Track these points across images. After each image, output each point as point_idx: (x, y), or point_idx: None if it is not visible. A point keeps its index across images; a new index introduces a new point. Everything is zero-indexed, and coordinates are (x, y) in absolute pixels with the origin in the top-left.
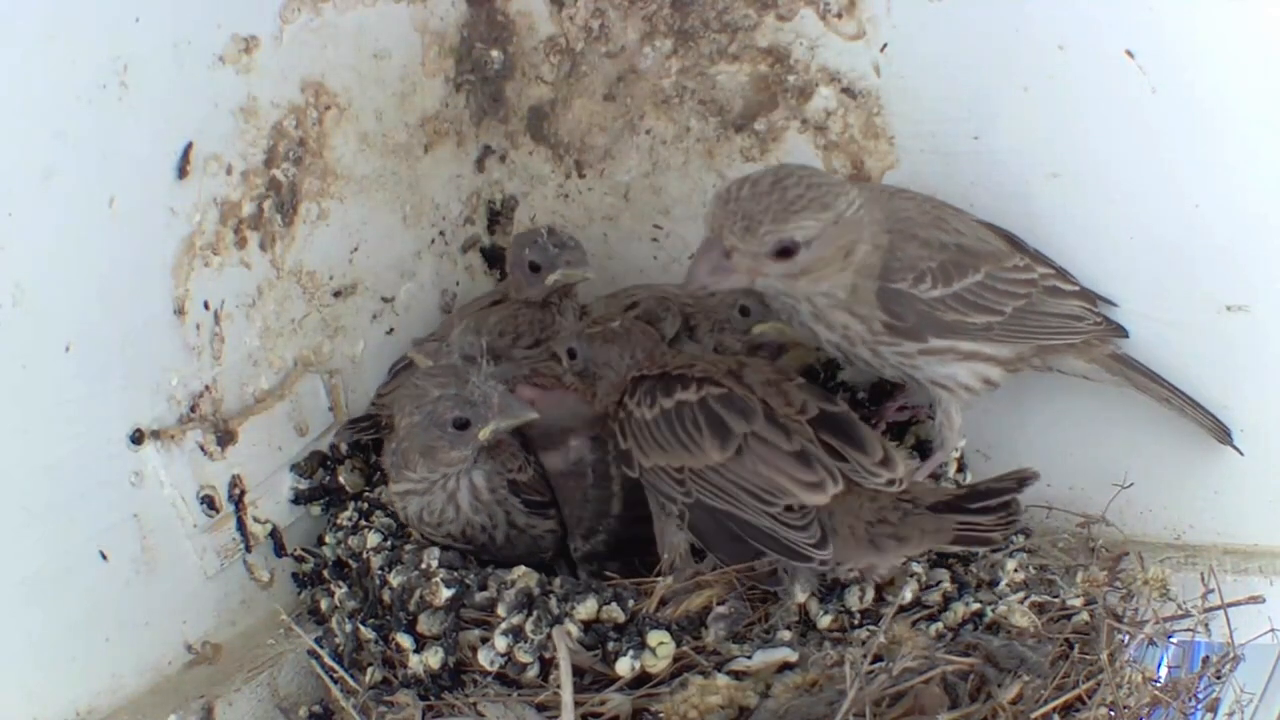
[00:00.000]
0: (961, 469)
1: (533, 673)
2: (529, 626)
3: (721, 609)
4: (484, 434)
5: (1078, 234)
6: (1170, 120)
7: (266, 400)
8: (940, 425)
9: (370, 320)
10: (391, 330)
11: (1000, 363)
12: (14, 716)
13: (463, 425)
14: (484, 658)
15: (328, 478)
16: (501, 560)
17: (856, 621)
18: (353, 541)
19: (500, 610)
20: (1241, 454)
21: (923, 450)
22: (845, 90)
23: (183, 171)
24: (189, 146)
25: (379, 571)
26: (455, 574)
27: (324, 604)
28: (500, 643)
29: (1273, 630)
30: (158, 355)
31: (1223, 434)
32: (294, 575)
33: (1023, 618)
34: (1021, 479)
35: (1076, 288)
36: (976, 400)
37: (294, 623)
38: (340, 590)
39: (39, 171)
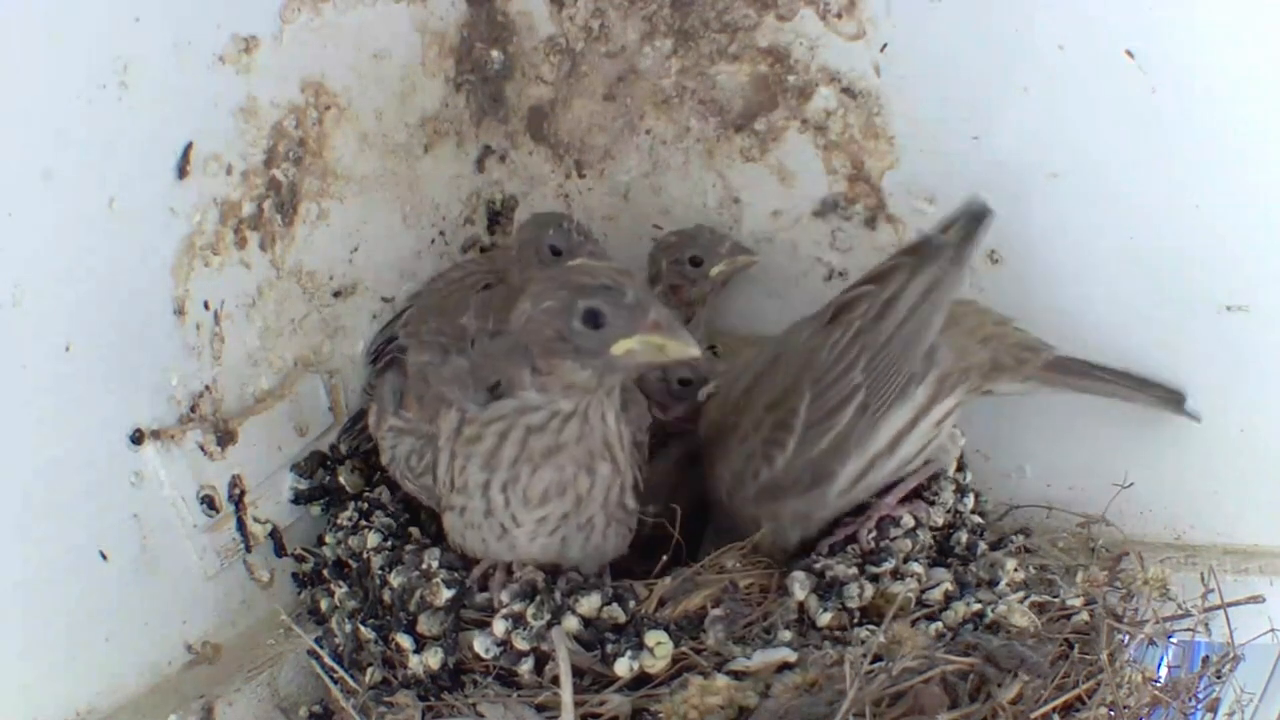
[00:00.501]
0: (961, 468)
1: (528, 666)
2: (530, 613)
3: (718, 611)
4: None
5: (1078, 234)
6: (1170, 120)
7: (266, 400)
8: (938, 454)
9: (370, 320)
10: None
11: (926, 406)
12: (14, 716)
13: (596, 321)
14: (480, 645)
15: (328, 478)
16: None
17: (856, 619)
18: (353, 541)
19: (503, 596)
20: (1199, 420)
21: None
22: (845, 90)
23: (183, 171)
24: (189, 146)
25: (379, 572)
26: (455, 574)
27: (324, 604)
28: (499, 627)
29: (1273, 630)
30: (158, 355)
31: (1177, 403)
32: (294, 575)
33: (1023, 618)
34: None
35: (898, 268)
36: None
37: (294, 623)
38: (340, 590)
39: (39, 171)
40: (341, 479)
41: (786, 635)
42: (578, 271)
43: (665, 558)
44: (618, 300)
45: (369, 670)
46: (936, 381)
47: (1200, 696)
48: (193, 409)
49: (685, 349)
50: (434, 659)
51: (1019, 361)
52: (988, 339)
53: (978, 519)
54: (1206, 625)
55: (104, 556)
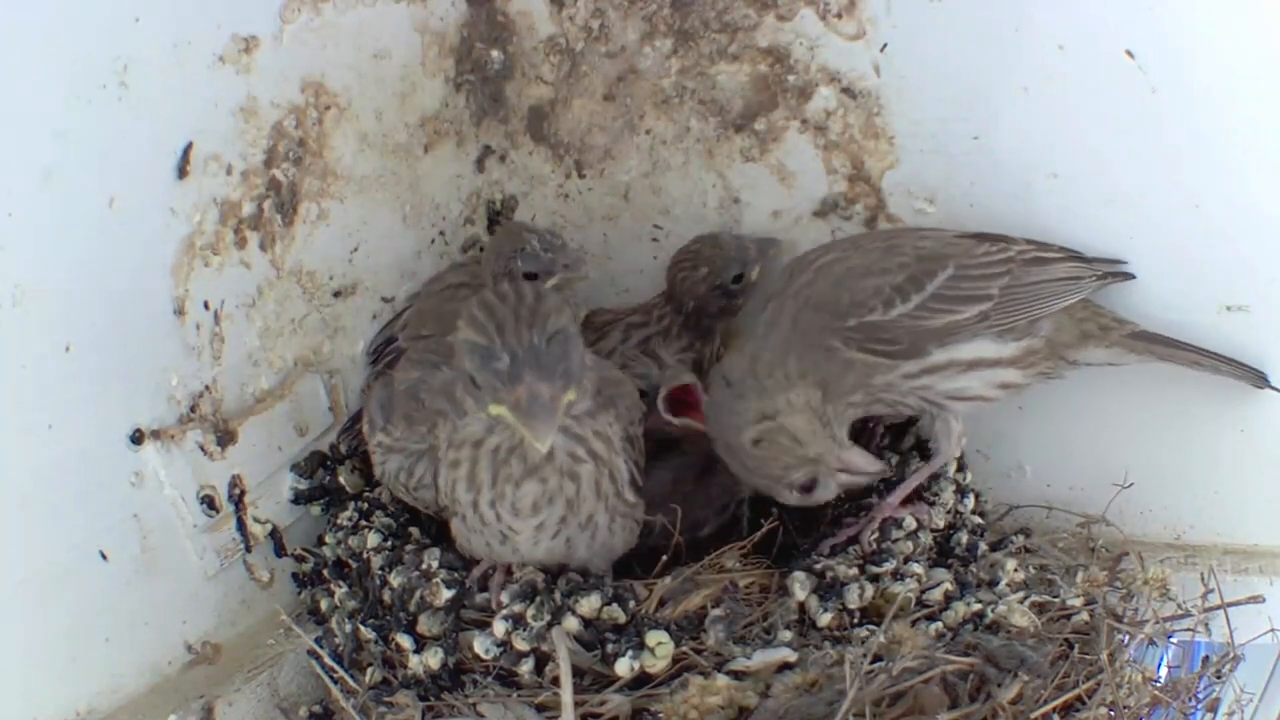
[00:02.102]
0: (961, 469)
1: (528, 666)
2: (530, 613)
3: (718, 611)
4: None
5: (1078, 234)
6: (1170, 120)
7: (266, 400)
8: (938, 434)
9: (370, 320)
10: None
11: (1009, 363)
12: (13, 716)
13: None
14: (480, 645)
15: (328, 478)
16: None
17: (856, 620)
18: (353, 541)
19: (503, 597)
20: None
21: (922, 450)
22: (845, 90)
23: (183, 171)
24: (189, 146)
25: (379, 572)
26: (455, 575)
27: (324, 604)
28: (499, 628)
29: (1273, 630)
30: (158, 355)
31: (1260, 379)
32: (294, 575)
33: (1023, 618)
34: None
35: (1060, 253)
36: (993, 407)
37: (294, 623)
38: (340, 590)
39: (39, 171)
40: (341, 479)
41: (787, 635)
42: (474, 321)
43: (665, 558)
44: (488, 364)
45: (369, 670)
46: (1025, 351)
47: (1200, 696)
48: (193, 409)
49: (534, 441)
50: (434, 659)
51: (1104, 330)
52: (1080, 319)
53: (978, 519)
54: (1206, 625)
55: (104, 556)
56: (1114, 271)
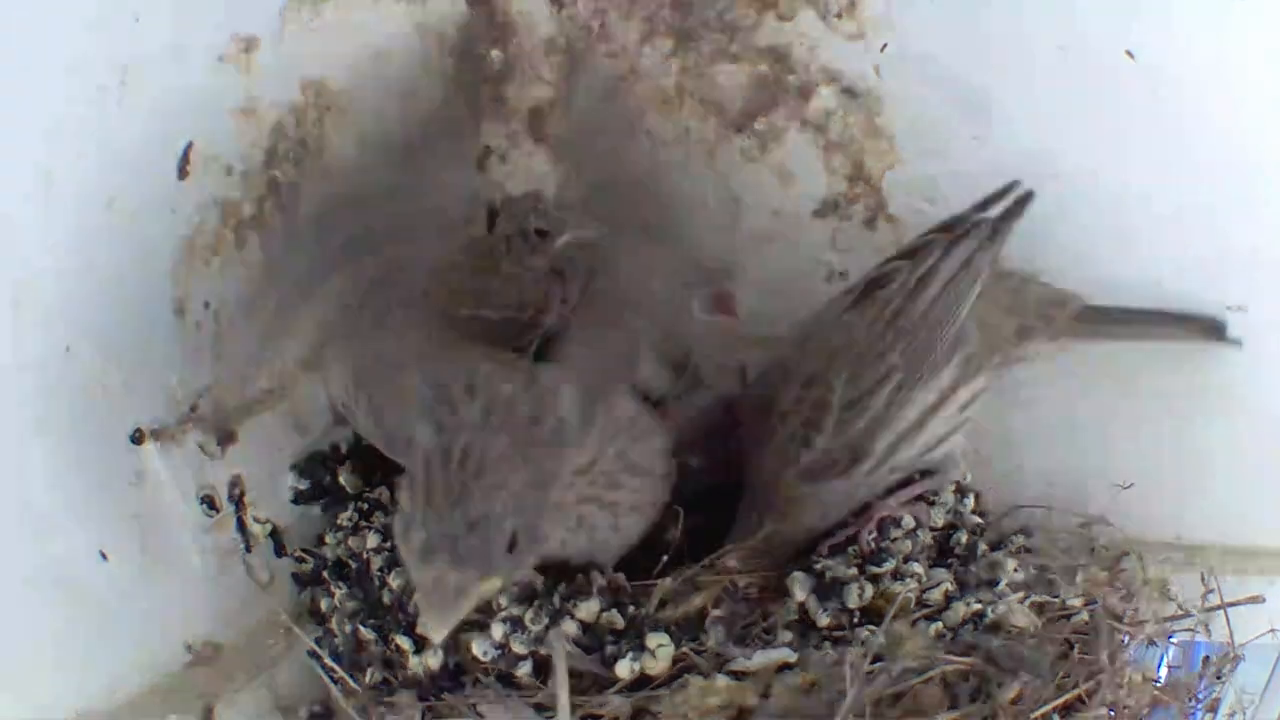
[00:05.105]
0: None
1: (526, 670)
2: (528, 616)
3: (718, 611)
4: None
5: (1078, 235)
6: (1170, 120)
7: (266, 400)
8: (945, 465)
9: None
10: None
11: (950, 389)
12: (13, 716)
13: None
14: (478, 648)
15: (328, 478)
16: None
17: (856, 620)
18: (353, 542)
19: (501, 599)
20: (1241, 345)
21: None
22: (845, 90)
23: (183, 171)
24: (189, 146)
25: (378, 573)
26: None
27: (324, 605)
28: (497, 630)
29: (1273, 630)
30: (158, 355)
31: (1218, 331)
32: (294, 576)
33: (1023, 618)
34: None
35: (932, 238)
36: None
37: (294, 623)
38: (340, 591)
39: (39, 171)
40: (341, 479)
41: (787, 636)
42: (411, 481)
43: (665, 558)
44: (405, 535)
45: (369, 671)
46: (962, 363)
47: (1200, 696)
48: (193, 409)
49: (429, 630)
50: (434, 660)
51: (1045, 320)
52: (1011, 307)
53: (978, 519)
54: (1206, 625)
55: (104, 556)
56: (1002, 217)
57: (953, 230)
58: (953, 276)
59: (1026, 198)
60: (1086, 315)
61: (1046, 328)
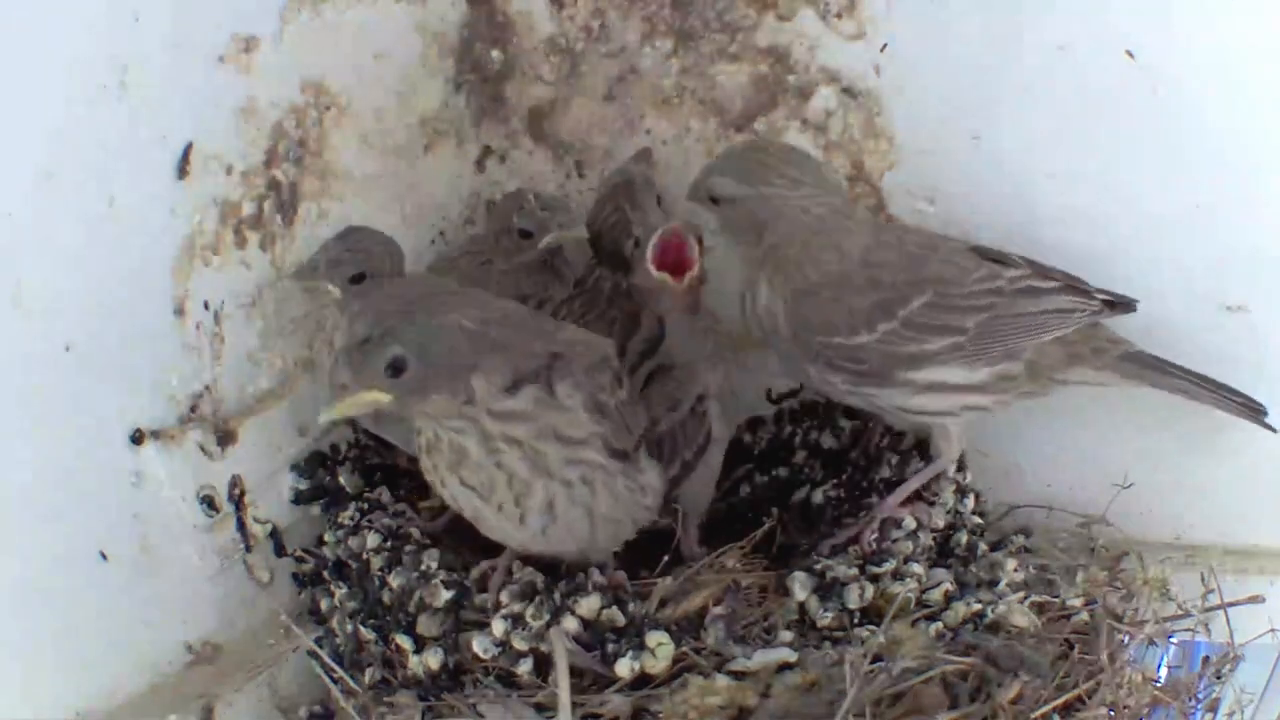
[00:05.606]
0: (961, 469)
1: (527, 667)
2: (529, 613)
3: (719, 609)
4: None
5: (1077, 235)
6: (1170, 120)
7: (266, 400)
8: (937, 439)
9: None
10: None
11: (977, 389)
12: (13, 717)
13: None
14: (479, 645)
15: (328, 478)
16: None
17: (856, 620)
18: (353, 542)
19: (502, 597)
20: (1275, 431)
21: (923, 450)
22: (845, 90)
23: (183, 171)
24: (189, 146)
25: (378, 573)
26: (454, 575)
27: (324, 604)
28: (498, 627)
29: (1273, 630)
30: (158, 355)
31: (1256, 413)
32: (294, 575)
33: (1023, 618)
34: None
35: (1057, 283)
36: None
37: (294, 623)
38: (340, 591)
39: (39, 171)
40: (341, 479)
41: (787, 635)
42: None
43: (666, 558)
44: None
45: (369, 670)
46: (999, 375)
47: (1200, 696)
48: (193, 409)
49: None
50: (434, 660)
51: (1096, 352)
52: (1067, 340)
53: (978, 519)
54: (1206, 625)
55: (104, 556)
56: (1114, 303)
57: (1081, 289)
58: (1056, 310)
59: (1132, 306)
60: (1133, 358)
61: (1095, 358)
